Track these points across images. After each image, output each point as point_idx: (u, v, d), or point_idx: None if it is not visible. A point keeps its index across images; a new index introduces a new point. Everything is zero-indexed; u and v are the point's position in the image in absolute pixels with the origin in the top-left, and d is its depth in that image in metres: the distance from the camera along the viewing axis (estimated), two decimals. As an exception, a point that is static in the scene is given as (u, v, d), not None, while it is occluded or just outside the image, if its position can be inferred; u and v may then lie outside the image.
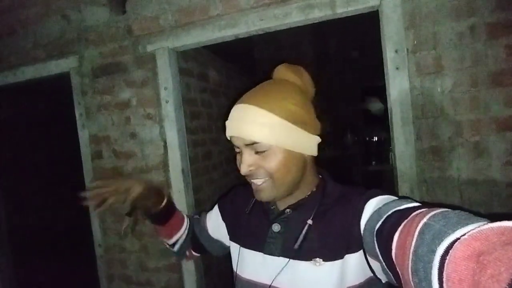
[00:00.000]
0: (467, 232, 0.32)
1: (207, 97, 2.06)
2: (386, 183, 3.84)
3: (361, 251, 0.60)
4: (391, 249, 0.45)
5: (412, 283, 0.37)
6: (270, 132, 0.61)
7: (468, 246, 0.30)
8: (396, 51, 1.20)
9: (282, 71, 0.72)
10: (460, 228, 0.34)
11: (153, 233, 1.27)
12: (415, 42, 1.19)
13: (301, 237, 0.65)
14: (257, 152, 0.63)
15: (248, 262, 0.74)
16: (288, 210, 0.71)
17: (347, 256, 0.61)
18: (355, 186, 0.70)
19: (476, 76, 1.13)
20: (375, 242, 0.51)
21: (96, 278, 1.78)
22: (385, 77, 1.26)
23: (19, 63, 1.81)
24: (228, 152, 2.27)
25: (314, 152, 0.68)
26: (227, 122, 0.67)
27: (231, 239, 0.83)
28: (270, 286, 0.67)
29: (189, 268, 1.58)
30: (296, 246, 0.65)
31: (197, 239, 0.94)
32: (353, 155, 4.49)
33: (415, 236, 0.39)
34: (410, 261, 0.38)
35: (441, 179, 1.20)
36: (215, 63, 2.22)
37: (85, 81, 1.69)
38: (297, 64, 0.74)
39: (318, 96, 0.74)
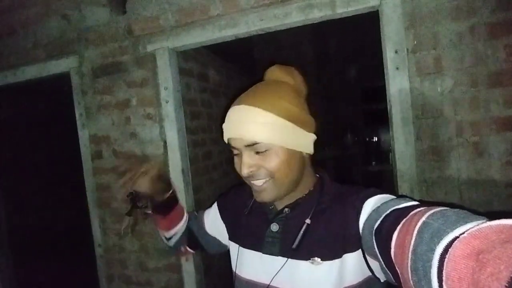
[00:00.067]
0: (466, 231, 0.32)
1: (207, 97, 2.06)
2: (386, 183, 3.84)
3: (360, 250, 0.59)
4: (390, 248, 0.44)
5: (411, 282, 0.37)
6: (271, 132, 0.60)
7: (467, 244, 0.30)
8: (396, 51, 1.20)
9: (275, 72, 0.72)
10: (459, 226, 0.34)
11: (153, 227, 1.28)
12: (415, 42, 1.19)
13: (299, 236, 0.65)
14: (257, 153, 0.63)
15: (247, 262, 0.74)
16: (286, 209, 0.71)
17: (346, 255, 0.61)
18: (353, 185, 0.70)
19: (476, 76, 1.13)
20: (374, 241, 0.51)
21: (96, 278, 1.78)
22: (385, 77, 1.26)
23: (19, 63, 1.81)
24: (228, 152, 2.26)
25: (311, 150, 0.68)
26: (224, 125, 0.67)
27: (231, 239, 0.83)
28: (268, 285, 0.67)
29: (189, 268, 1.58)
30: (294, 245, 0.65)
31: (194, 234, 0.94)
32: (353, 155, 4.49)
33: (414, 235, 0.38)
34: (409, 260, 0.38)
35: (441, 179, 1.20)
36: (215, 63, 2.22)
37: (85, 81, 1.69)
38: (297, 64, 0.75)
39: (317, 96, 0.74)
